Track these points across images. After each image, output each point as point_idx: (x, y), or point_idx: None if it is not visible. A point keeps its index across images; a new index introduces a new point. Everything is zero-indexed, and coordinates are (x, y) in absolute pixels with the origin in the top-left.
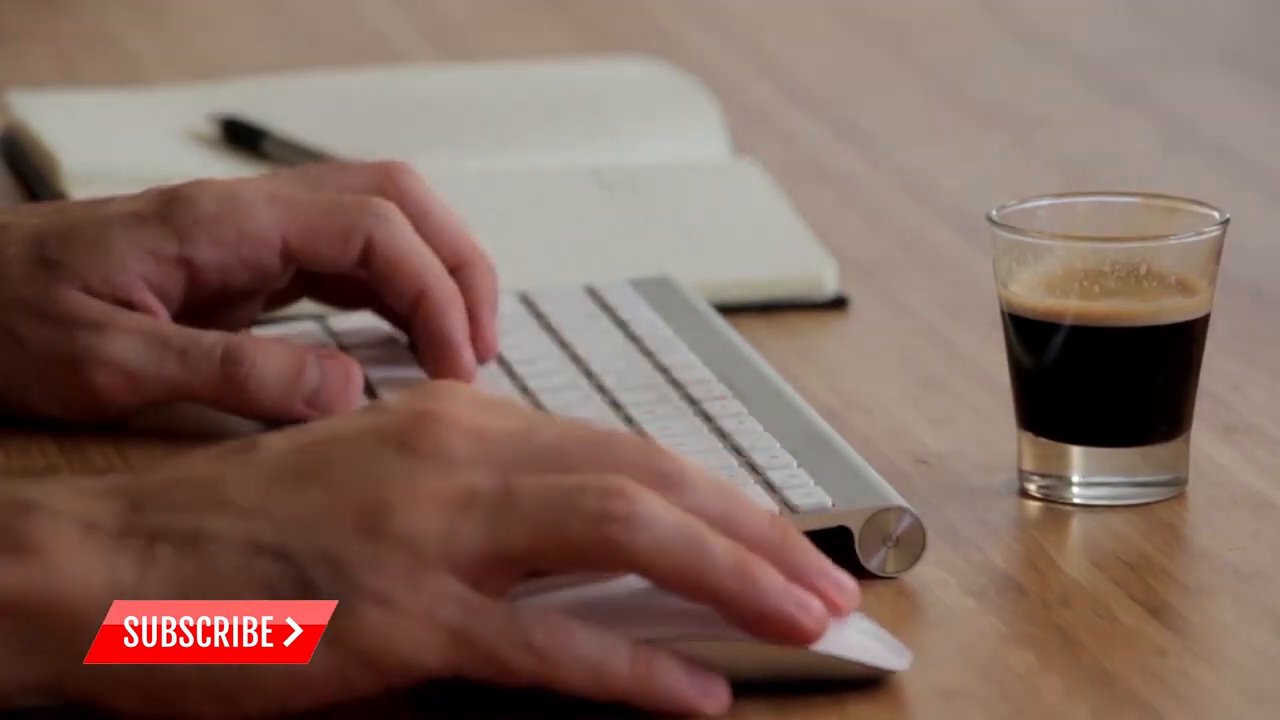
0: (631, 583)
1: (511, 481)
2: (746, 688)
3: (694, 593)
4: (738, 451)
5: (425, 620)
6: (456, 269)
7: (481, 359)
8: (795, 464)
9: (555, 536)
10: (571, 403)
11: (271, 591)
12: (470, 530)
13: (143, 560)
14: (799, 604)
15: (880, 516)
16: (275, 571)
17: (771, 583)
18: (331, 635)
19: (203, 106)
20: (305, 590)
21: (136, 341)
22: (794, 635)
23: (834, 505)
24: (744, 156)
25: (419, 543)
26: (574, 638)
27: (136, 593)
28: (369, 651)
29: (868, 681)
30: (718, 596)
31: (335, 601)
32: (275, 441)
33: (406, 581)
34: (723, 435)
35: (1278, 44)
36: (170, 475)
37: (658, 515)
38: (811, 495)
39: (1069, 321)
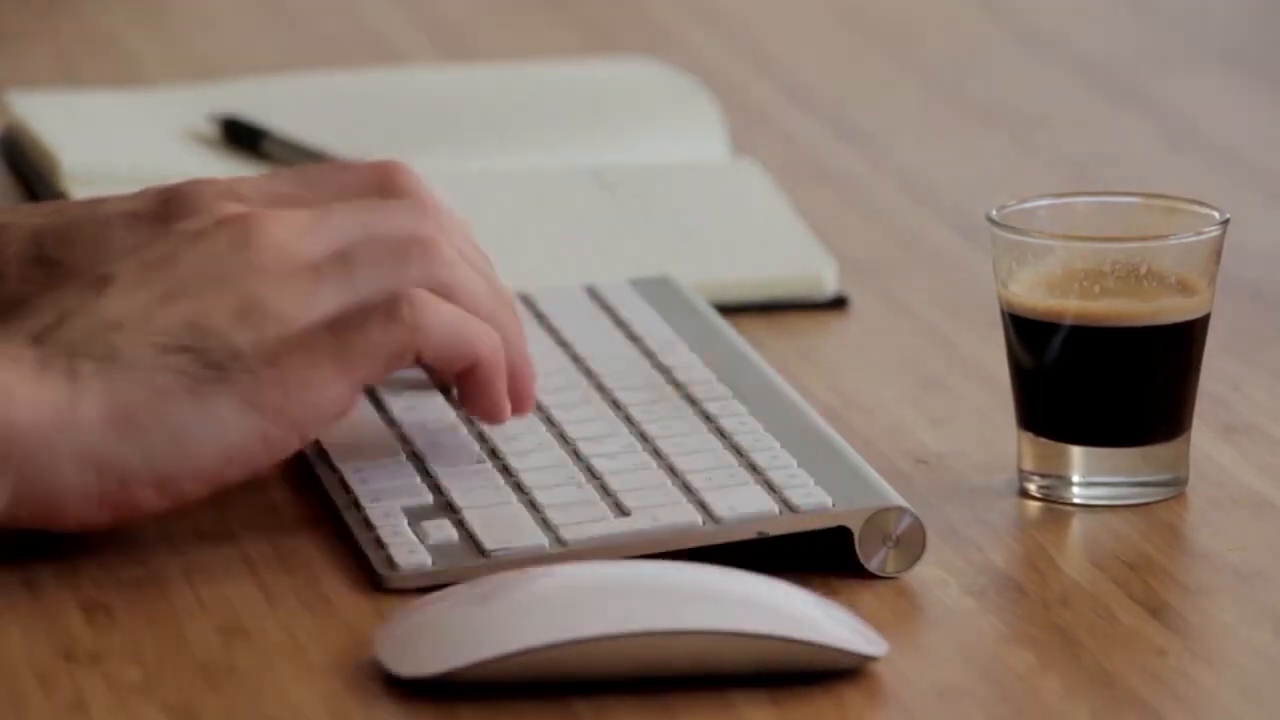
0: (624, 572)
1: (345, 247)
2: (744, 684)
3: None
4: (738, 451)
5: (310, 361)
6: None
7: None
8: (795, 464)
9: (397, 284)
10: (572, 402)
11: (190, 378)
12: (327, 295)
13: (70, 378)
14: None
15: (880, 516)
16: (187, 361)
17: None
18: (245, 403)
19: (203, 106)
20: (216, 370)
21: None
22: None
23: (834, 505)
24: (744, 156)
25: (289, 313)
26: (435, 308)
27: (75, 407)
28: (278, 407)
29: (860, 676)
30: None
31: (242, 375)
32: (124, 273)
33: (287, 340)
34: (723, 435)
35: (1278, 44)
36: (48, 315)
37: (458, 260)
38: (811, 495)
39: (1069, 321)
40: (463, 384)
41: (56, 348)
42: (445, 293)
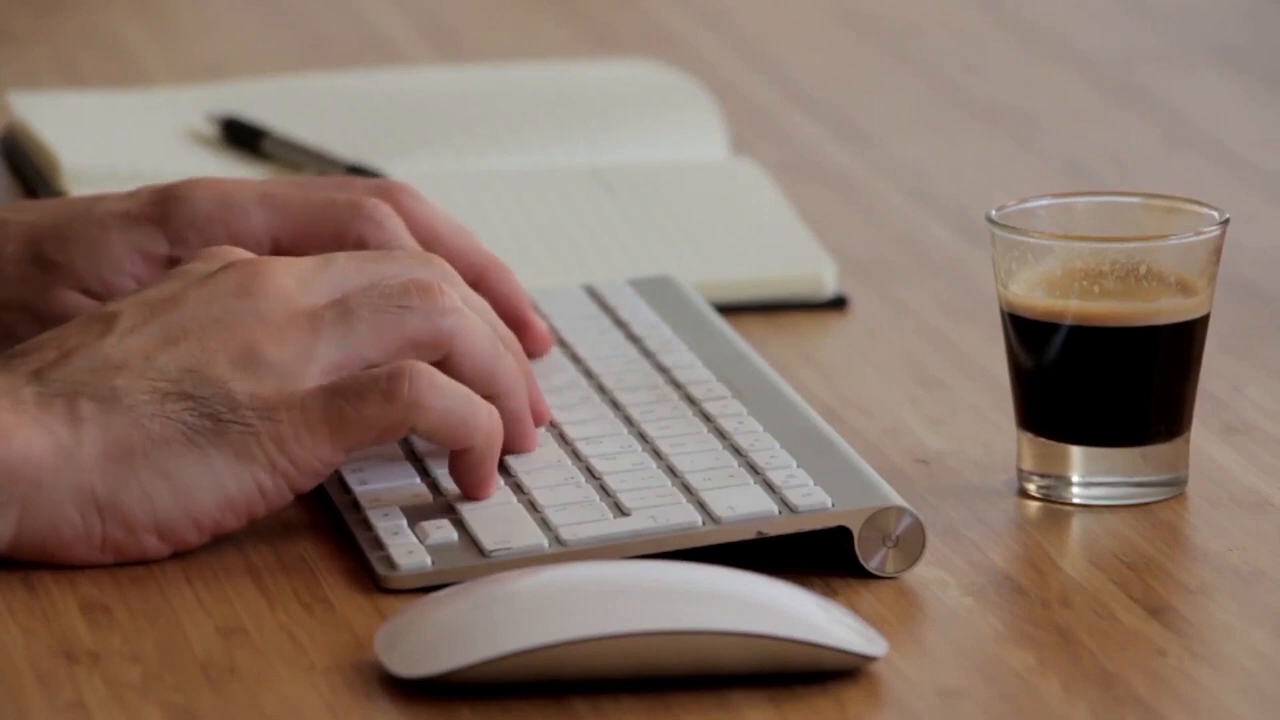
0: (624, 572)
1: (344, 297)
2: (744, 684)
3: (494, 364)
4: (738, 451)
5: (305, 421)
6: (478, 281)
7: (541, 352)
8: (795, 464)
9: (396, 335)
10: (571, 402)
11: (187, 427)
12: (326, 345)
13: (71, 418)
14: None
15: (880, 516)
16: (185, 409)
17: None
18: (240, 456)
19: (203, 106)
20: (213, 420)
21: None
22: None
23: (834, 505)
24: (744, 156)
25: (288, 365)
26: (437, 387)
27: (75, 447)
28: (272, 458)
29: (860, 676)
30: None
31: (237, 428)
32: (129, 313)
33: (285, 397)
34: (723, 435)
35: (1277, 44)
36: (50, 353)
37: (461, 306)
38: (811, 495)
39: (1069, 321)
40: (454, 460)
41: (57, 385)
42: (447, 339)
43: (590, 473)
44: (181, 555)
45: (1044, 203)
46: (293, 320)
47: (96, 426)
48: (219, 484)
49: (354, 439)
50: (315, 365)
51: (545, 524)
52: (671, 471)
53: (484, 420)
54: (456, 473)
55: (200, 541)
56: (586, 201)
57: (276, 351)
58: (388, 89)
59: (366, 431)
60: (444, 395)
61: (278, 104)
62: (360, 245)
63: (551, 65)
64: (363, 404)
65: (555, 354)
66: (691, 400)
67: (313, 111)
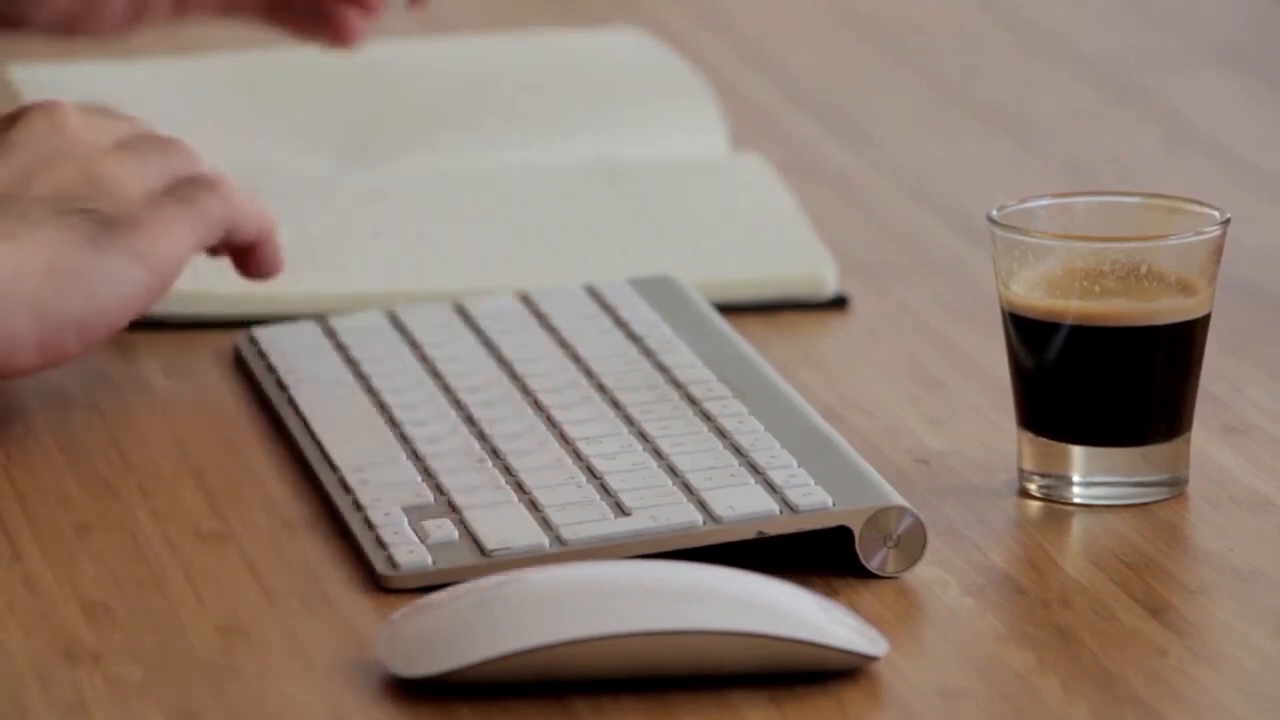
0: (624, 572)
1: (126, 137)
2: (744, 684)
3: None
4: (738, 451)
5: (170, 222)
6: None
7: None
8: (795, 464)
9: (183, 163)
10: (572, 402)
11: (88, 233)
12: (151, 165)
13: (7, 239)
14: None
15: (881, 516)
16: (81, 219)
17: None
18: (132, 256)
19: (203, 77)
20: (106, 226)
21: None
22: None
23: (834, 505)
24: (747, 152)
25: (130, 184)
26: (237, 192)
27: (20, 263)
28: (156, 259)
29: (860, 676)
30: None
31: (125, 230)
32: None
33: (144, 207)
34: (723, 435)
35: (1277, 44)
36: None
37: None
38: (812, 495)
39: (1069, 321)
40: (254, 250)
41: None
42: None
43: (591, 472)
44: (182, 555)
45: (1044, 203)
46: (111, 150)
47: (29, 242)
48: (120, 284)
49: (204, 229)
50: (148, 185)
51: (546, 523)
52: (672, 471)
53: (268, 214)
54: (260, 263)
55: (104, 340)
56: (587, 201)
57: (117, 173)
58: (386, 76)
59: (212, 222)
60: (241, 190)
61: (274, 78)
62: None
63: (546, 42)
64: (203, 195)
65: (555, 354)
66: (692, 400)
67: (307, 90)
